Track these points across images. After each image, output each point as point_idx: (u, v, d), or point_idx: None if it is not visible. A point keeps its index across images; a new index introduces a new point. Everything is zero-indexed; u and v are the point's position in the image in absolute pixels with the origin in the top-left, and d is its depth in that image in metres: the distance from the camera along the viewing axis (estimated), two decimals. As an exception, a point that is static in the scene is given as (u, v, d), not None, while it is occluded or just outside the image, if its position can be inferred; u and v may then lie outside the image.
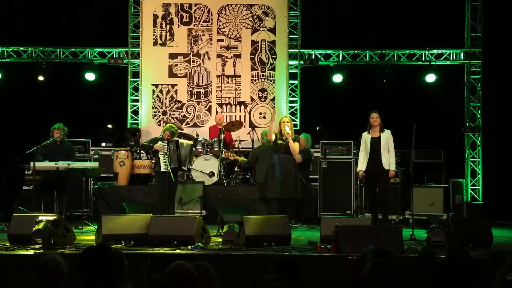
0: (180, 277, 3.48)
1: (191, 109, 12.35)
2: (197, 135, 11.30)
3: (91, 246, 3.96)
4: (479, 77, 12.13)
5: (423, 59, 12.32)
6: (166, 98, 12.35)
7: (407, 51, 12.36)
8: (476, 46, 12.16)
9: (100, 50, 12.48)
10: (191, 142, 9.61)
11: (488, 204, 11.38)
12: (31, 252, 6.55)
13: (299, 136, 9.34)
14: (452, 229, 7.23)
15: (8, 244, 7.01)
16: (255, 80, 12.39)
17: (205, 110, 12.32)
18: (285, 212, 8.24)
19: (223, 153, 9.86)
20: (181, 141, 9.27)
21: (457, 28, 12.31)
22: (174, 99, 12.33)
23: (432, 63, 12.18)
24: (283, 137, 8.57)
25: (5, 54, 12.33)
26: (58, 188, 9.13)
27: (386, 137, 8.56)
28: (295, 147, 8.59)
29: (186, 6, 12.43)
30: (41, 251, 6.53)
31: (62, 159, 8.98)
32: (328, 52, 12.49)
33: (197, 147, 10.91)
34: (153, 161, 9.72)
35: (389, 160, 8.50)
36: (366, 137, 8.63)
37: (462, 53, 12.31)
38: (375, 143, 8.53)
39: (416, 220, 8.79)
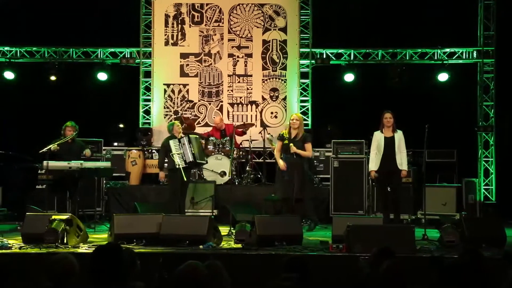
0: (192, 277, 3.48)
1: (202, 109, 12.37)
2: (209, 135, 11.31)
3: (102, 245, 3.97)
4: (492, 75, 12.05)
5: (436, 58, 12.26)
6: (177, 98, 12.38)
7: (419, 50, 12.30)
8: (489, 45, 12.08)
9: (112, 50, 12.53)
10: (196, 136, 9.65)
11: (501, 203, 11.30)
12: (44, 251, 6.58)
13: None
14: (465, 229, 7.20)
15: (22, 243, 7.06)
16: (266, 80, 12.38)
17: (217, 109, 12.33)
18: (295, 212, 8.24)
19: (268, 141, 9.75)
20: (191, 135, 9.35)
21: (470, 26, 12.23)
22: (186, 99, 12.36)
23: (445, 62, 12.11)
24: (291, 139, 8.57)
25: (18, 54, 12.42)
26: (70, 187, 9.18)
27: (400, 137, 8.55)
28: (303, 153, 8.63)
29: (198, 6, 12.45)
30: (54, 250, 6.56)
31: (74, 157, 9.04)
32: (340, 51, 12.45)
33: (209, 147, 10.94)
34: (166, 160, 9.73)
35: (401, 160, 8.49)
36: (379, 137, 8.59)
37: (475, 51, 12.23)
38: (389, 143, 8.50)
39: (428, 220, 8.76)
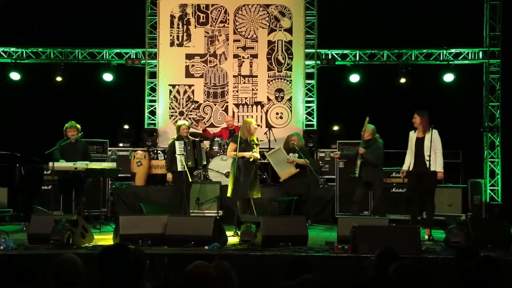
0: (201, 277, 3.47)
1: (207, 110, 12.38)
2: (214, 135, 11.32)
3: (109, 246, 3.98)
4: (498, 76, 12.02)
5: (441, 58, 12.23)
6: (183, 99, 12.39)
7: (425, 50, 12.28)
8: (495, 45, 12.05)
9: (118, 51, 12.55)
10: (197, 139, 9.68)
11: (507, 204, 11.25)
12: (49, 252, 6.59)
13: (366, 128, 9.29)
14: (471, 229, 7.18)
15: (28, 244, 7.08)
16: (271, 80, 12.38)
17: (222, 110, 12.34)
18: (251, 212, 8.64)
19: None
20: (197, 140, 9.36)
21: (475, 27, 12.20)
22: (191, 100, 12.37)
23: (450, 62, 12.09)
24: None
25: (24, 55, 12.45)
26: (76, 188, 9.21)
27: (432, 137, 8.34)
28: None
29: (203, 7, 12.46)
30: (59, 250, 6.57)
31: (79, 157, 9.07)
32: (345, 51, 12.45)
33: (214, 147, 10.95)
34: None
35: (435, 161, 8.29)
36: (412, 137, 8.56)
37: (480, 52, 12.20)
38: (419, 144, 8.42)
39: (434, 221, 8.73)
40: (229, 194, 8.82)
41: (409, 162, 8.52)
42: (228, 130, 11.34)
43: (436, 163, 8.29)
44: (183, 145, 9.10)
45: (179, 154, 9.00)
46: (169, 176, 9.30)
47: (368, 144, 9.07)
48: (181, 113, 12.30)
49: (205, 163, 9.64)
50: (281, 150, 9.99)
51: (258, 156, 8.85)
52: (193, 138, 9.41)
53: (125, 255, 3.62)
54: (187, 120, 11.66)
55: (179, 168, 8.99)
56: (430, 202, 8.42)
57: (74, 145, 9.23)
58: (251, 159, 8.72)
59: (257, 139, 8.96)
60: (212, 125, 12.21)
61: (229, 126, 11.39)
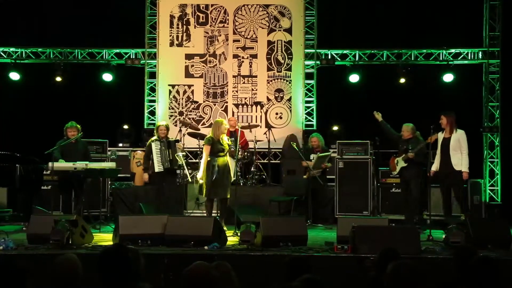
0: (200, 277, 3.47)
1: (207, 110, 12.38)
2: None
3: (109, 246, 3.97)
4: (498, 76, 12.03)
5: (441, 58, 12.24)
6: (182, 99, 12.39)
7: (425, 50, 12.28)
8: (495, 45, 12.06)
9: (117, 51, 12.56)
10: (176, 140, 9.73)
11: (507, 204, 11.25)
12: (49, 252, 6.59)
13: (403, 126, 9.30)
14: (470, 229, 7.18)
15: (27, 244, 7.07)
16: (271, 80, 12.38)
17: (221, 110, 12.34)
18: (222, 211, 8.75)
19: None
20: (171, 140, 9.41)
21: (475, 27, 12.20)
22: (191, 100, 12.37)
23: (450, 62, 12.09)
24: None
25: (23, 55, 12.46)
26: (76, 188, 9.20)
27: (457, 137, 8.52)
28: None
29: (203, 7, 12.46)
30: (59, 251, 6.56)
31: (79, 158, 9.07)
32: (345, 52, 12.45)
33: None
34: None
35: (460, 160, 8.47)
36: (440, 138, 8.64)
37: (480, 52, 12.20)
38: (444, 144, 8.52)
39: (433, 221, 8.74)
40: (204, 195, 8.79)
41: (436, 162, 8.64)
42: (229, 131, 11.31)
43: (462, 163, 8.46)
44: (159, 146, 9.15)
45: (155, 156, 9.09)
46: (145, 176, 9.42)
47: (411, 144, 9.07)
48: (181, 113, 12.30)
49: (181, 163, 9.66)
50: (329, 156, 10.02)
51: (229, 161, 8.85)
52: (169, 139, 9.41)
53: (124, 255, 3.62)
54: (183, 121, 11.67)
55: (156, 169, 9.07)
56: (459, 200, 8.67)
57: (74, 145, 9.24)
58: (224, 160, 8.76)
59: (228, 139, 9.01)
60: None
61: (232, 127, 11.36)
